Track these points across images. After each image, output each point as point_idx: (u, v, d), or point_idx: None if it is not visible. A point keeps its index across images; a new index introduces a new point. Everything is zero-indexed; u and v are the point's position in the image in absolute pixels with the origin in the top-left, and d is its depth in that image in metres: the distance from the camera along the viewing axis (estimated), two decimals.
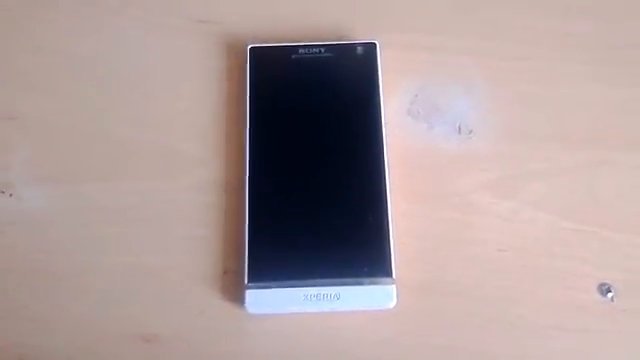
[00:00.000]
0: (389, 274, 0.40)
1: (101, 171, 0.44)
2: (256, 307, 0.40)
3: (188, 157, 0.45)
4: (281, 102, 0.45)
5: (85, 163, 0.45)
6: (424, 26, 0.48)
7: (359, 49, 0.46)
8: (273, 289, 0.40)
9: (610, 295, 0.41)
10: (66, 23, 0.48)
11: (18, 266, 0.42)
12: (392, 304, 0.40)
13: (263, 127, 0.44)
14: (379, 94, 0.45)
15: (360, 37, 0.47)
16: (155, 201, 0.43)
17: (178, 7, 0.49)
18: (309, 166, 0.43)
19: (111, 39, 0.48)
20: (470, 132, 0.45)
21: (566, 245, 0.42)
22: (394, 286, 0.40)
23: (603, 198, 0.43)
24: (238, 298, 0.40)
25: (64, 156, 0.45)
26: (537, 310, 0.41)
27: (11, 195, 0.44)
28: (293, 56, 0.46)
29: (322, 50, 0.46)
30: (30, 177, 0.44)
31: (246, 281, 0.40)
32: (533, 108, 0.46)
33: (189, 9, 0.49)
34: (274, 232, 0.41)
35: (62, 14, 0.49)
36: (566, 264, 0.42)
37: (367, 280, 0.40)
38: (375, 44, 0.46)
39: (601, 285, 0.41)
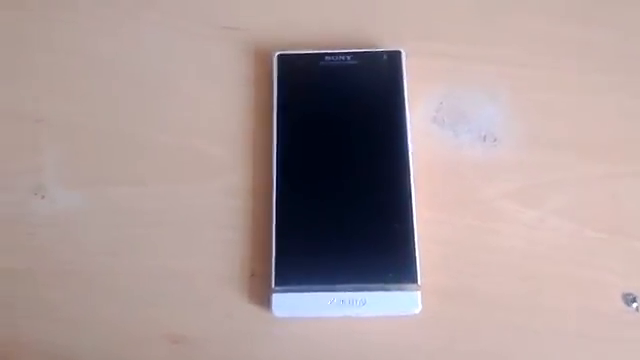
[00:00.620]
0: (414, 280, 0.40)
1: (131, 174, 0.45)
2: (282, 311, 0.40)
3: (217, 162, 0.45)
4: (308, 109, 0.45)
5: (115, 166, 0.45)
6: (449, 34, 0.48)
7: (385, 57, 0.46)
8: (299, 293, 0.40)
9: (635, 305, 0.41)
10: (94, 28, 0.49)
11: (48, 267, 0.43)
12: (417, 310, 0.40)
13: (290, 133, 0.44)
14: (404, 102, 0.45)
15: (385, 45, 0.47)
16: (184, 204, 0.44)
17: (205, 14, 0.49)
18: (335, 172, 0.44)
19: (139, 45, 0.49)
20: (495, 140, 0.46)
21: (591, 254, 0.42)
22: (419, 292, 0.40)
23: (628, 207, 0.43)
24: (265, 301, 0.41)
25: (94, 159, 0.45)
26: (562, 318, 0.41)
27: (43, 197, 0.44)
28: (320, 63, 0.46)
29: (348, 58, 0.46)
30: (62, 179, 0.45)
31: (273, 285, 0.41)
32: (558, 117, 0.46)
33: (216, 16, 0.49)
34: (301, 237, 0.42)
35: (92, 19, 0.49)
36: (591, 273, 0.42)
37: (392, 286, 0.40)
38: (400, 52, 0.46)
39: (626, 295, 0.41)
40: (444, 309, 0.41)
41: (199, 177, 0.45)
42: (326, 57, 0.46)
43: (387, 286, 0.40)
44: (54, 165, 0.45)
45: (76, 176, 0.45)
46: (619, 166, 0.45)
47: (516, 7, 0.49)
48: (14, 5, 0.50)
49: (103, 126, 0.46)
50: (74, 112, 0.47)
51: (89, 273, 0.43)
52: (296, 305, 0.40)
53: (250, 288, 0.42)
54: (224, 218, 0.44)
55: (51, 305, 0.42)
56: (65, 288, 0.42)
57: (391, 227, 0.42)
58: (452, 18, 0.49)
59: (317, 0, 0.50)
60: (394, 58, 0.46)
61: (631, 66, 0.47)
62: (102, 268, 0.43)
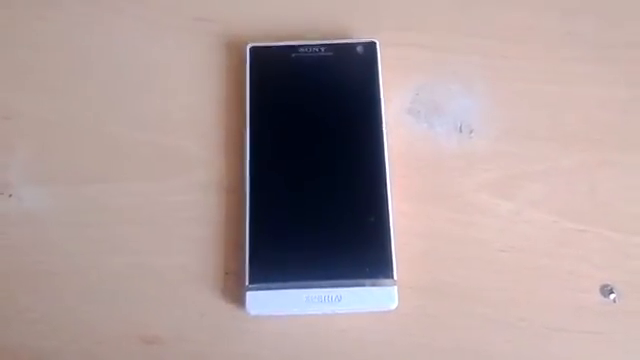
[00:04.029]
0: (390, 275, 0.40)
1: (101, 171, 0.44)
2: (257, 309, 0.40)
3: (189, 157, 0.44)
4: (281, 101, 0.45)
5: (84, 163, 0.44)
6: (424, 25, 0.48)
7: (359, 48, 0.46)
8: (274, 290, 0.40)
9: (612, 296, 0.41)
10: (64, 21, 0.48)
11: (18, 267, 0.42)
12: (394, 305, 0.40)
13: (263, 127, 0.44)
14: (379, 93, 0.44)
15: (360, 36, 0.47)
16: (156, 201, 0.43)
17: (178, 6, 0.49)
18: (310, 166, 0.43)
19: (110, 37, 0.48)
20: (471, 132, 0.45)
21: (568, 246, 0.42)
22: (396, 287, 0.40)
23: (605, 198, 0.43)
24: (239, 299, 0.40)
25: (63, 156, 0.45)
26: (539, 311, 0.41)
27: (10, 196, 0.43)
28: (293, 55, 0.46)
29: (322, 49, 0.46)
30: (30, 177, 0.44)
31: (247, 282, 0.40)
32: (534, 108, 0.46)
33: (189, 8, 0.49)
34: (275, 233, 0.41)
35: (60, 12, 0.48)
36: (568, 265, 0.42)
37: (368, 281, 0.40)
38: (375, 43, 0.46)
39: (603, 286, 0.41)
40: (421, 304, 0.41)
41: (171, 173, 0.44)
42: (300, 49, 0.46)
43: (363, 282, 0.40)
44: (22, 163, 0.44)
45: (45, 174, 0.44)
46: (596, 156, 0.44)
47: None
48: None
49: (72, 122, 0.45)
50: (44, 109, 0.46)
51: (59, 273, 0.42)
52: (271, 303, 0.40)
53: (224, 286, 0.41)
54: (197, 215, 0.43)
55: (20, 306, 0.41)
56: (35, 288, 0.42)
57: (367, 221, 0.41)
58: (428, 8, 0.49)
59: None
60: (368, 49, 0.46)
61: (608, 56, 0.47)
62: (72, 267, 0.42)
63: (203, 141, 0.45)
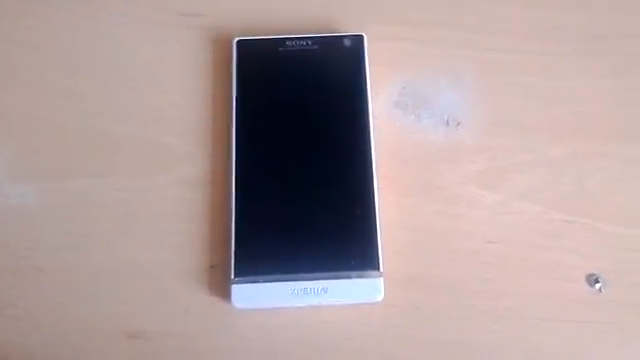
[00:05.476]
0: (377, 267, 0.40)
1: (86, 167, 0.44)
2: (243, 302, 0.40)
3: (174, 152, 0.44)
4: (268, 95, 0.45)
5: (70, 159, 0.44)
6: (412, 18, 0.48)
7: (346, 41, 0.46)
8: (260, 283, 0.40)
9: (598, 286, 0.41)
10: (51, 18, 0.48)
11: (4, 263, 0.42)
12: (380, 297, 0.40)
13: (250, 121, 0.44)
14: (366, 86, 0.44)
15: (347, 29, 0.47)
16: (141, 197, 0.43)
17: (164, 1, 0.48)
18: (296, 159, 0.43)
19: (96, 33, 0.48)
20: (458, 124, 0.45)
21: (554, 236, 0.42)
22: (382, 279, 0.40)
23: (591, 189, 0.43)
24: (225, 293, 0.40)
25: (49, 152, 0.44)
26: (525, 301, 0.41)
27: None
28: (280, 49, 0.45)
29: (309, 43, 0.46)
30: (15, 174, 0.44)
31: (232, 276, 0.40)
32: (521, 100, 0.46)
33: (175, 3, 0.48)
34: (261, 226, 0.41)
35: (47, 8, 0.48)
36: (554, 255, 0.42)
37: (354, 274, 0.40)
38: (362, 36, 0.46)
39: (589, 276, 0.41)
40: (407, 296, 0.41)
41: (156, 168, 0.44)
42: (286, 42, 0.46)
43: (349, 274, 0.40)
44: (7, 159, 0.44)
45: (30, 170, 0.44)
46: (583, 148, 0.44)
47: None
48: None
49: (58, 118, 0.45)
50: (29, 105, 0.46)
51: (44, 268, 0.42)
52: (256, 296, 0.40)
53: (210, 280, 0.41)
54: (183, 209, 0.43)
55: (5, 302, 0.41)
56: (20, 284, 0.41)
57: (353, 213, 0.41)
58: (415, 2, 0.49)
59: None
60: (356, 42, 0.46)
61: (595, 48, 0.47)
62: (57, 263, 0.42)
63: (189, 136, 0.45)
